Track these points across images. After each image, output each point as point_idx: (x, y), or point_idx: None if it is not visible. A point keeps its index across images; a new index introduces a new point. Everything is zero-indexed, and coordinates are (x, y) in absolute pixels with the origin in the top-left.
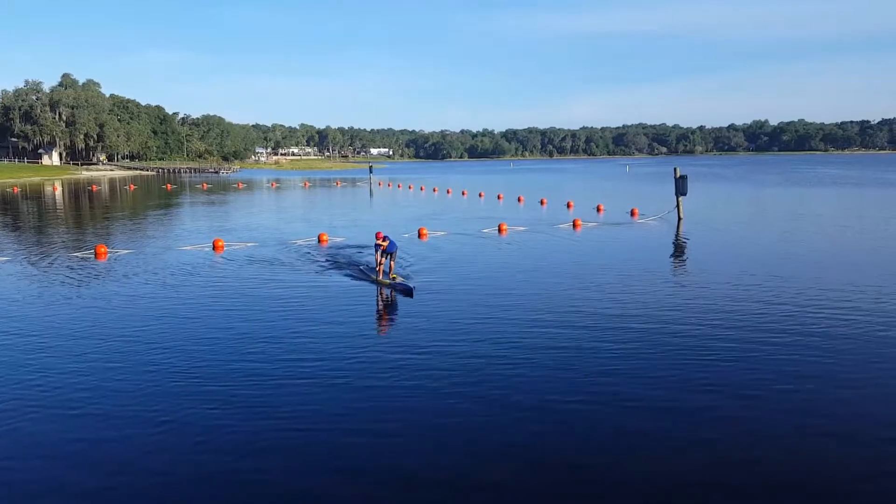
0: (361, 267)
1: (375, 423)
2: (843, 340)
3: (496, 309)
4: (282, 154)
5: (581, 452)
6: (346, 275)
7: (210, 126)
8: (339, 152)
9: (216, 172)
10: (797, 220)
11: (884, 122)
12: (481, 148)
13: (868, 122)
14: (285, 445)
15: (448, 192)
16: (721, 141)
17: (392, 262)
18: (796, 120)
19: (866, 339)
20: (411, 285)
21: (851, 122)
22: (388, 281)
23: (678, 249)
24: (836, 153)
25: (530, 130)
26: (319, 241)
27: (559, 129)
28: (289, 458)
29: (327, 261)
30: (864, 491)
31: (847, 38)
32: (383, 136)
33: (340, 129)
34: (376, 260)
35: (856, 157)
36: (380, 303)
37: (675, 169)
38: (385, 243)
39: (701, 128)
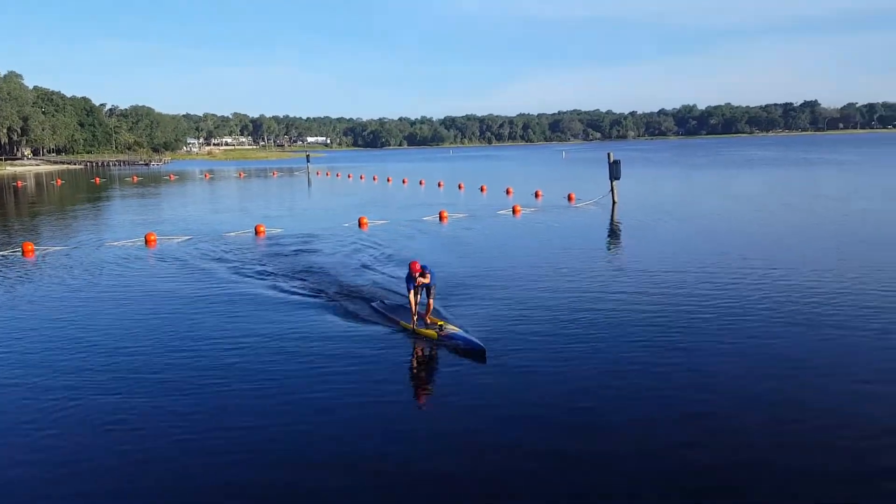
0: (376, 304)
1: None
2: (775, 314)
3: (446, 297)
4: (215, 144)
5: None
6: (298, 283)
7: (139, 117)
8: (274, 141)
9: (147, 164)
10: (725, 200)
11: (805, 104)
12: (420, 135)
13: (791, 104)
14: (211, 448)
15: (388, 180)
16: (652, 126)
17: (431, 300)
18: (723, 104)
19: (800, 313)
20: (479, 343)
21: (775, 104)
22: (432, 331)
23: (613, 232)
24: (761, 135)
25: (469, 117)
26: (256, 232)
27: (497, 116)
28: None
29: (266, 255)
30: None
31: (771, 23)
32: (320, 125)
33: (275, 118)
34: (410, 301)
35: (779, 138)
36: (415, 359)
37: (608, 154)
38: (426, 278)
39: (633, 113)
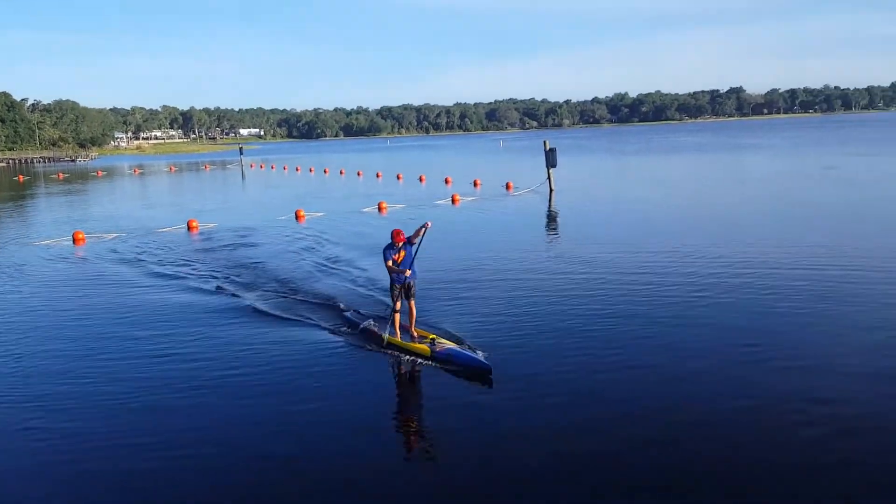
0: (349, 314)
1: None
2: (712, 294)
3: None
4: (144, 138)
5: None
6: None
7: (63, 112)
8: (205, 134)
9: (73, 161)
10: (657, 186)
11: (731, 91)
12: (357, 126)
13: (717, 91)
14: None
15: (325, 172)
16: (586, 114)
17: (413, 304)
18: (653, 91)
19: (739, 293)
20: (484, 361)
21: (703, 91)
22: (422, 346)
23: (551, 219)
24: (691, 122)
25: (405, 107)
26: (189, 228)
27: (434, 106)
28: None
29: (198, 252)
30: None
31: (697, 11)
32: (253, 116)
33: (206, 110)
34: (392, 297)
35: (707, 124)
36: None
37: (544, 142)
38: (401, 253)
39: (567, 102)
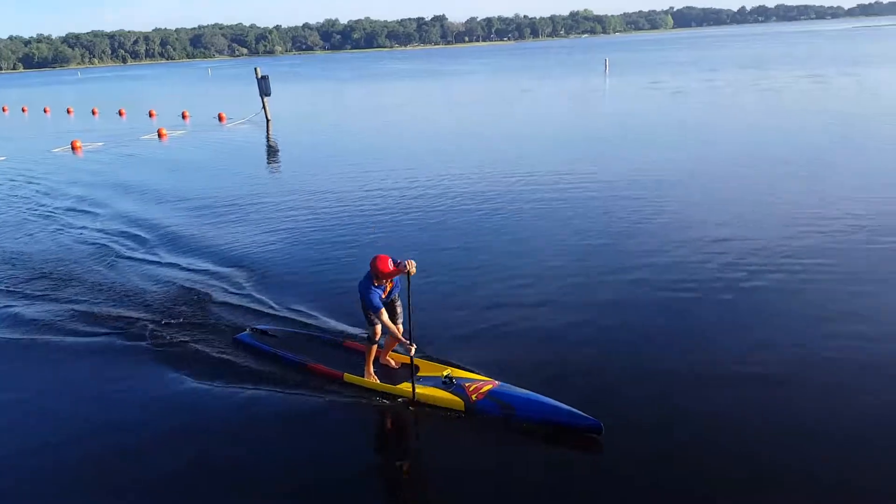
0: (245, 335)
1: None
2: (446, 218)
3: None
4: None
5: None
6: None
7: None
8: None
9: None
10: (375, 111)
11: (435, 19)
12: (39, 56)
13: (423, 18)
14: None
15: (4, 109)
16: (298, 40)
17: (399, 326)
18: (363, 18)
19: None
20: (587, 417)
21: (410, 18)
22: (446, 394)
23: (271, 150)
24: (400, 49)
25: (96, 34)
26: None
27: (130, 32)
28: None
29: None
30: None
31: None
32: None
33: None
34: (374, 332)
35: (416, 52)
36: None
37: (255, 69)
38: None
39: (278, 27)
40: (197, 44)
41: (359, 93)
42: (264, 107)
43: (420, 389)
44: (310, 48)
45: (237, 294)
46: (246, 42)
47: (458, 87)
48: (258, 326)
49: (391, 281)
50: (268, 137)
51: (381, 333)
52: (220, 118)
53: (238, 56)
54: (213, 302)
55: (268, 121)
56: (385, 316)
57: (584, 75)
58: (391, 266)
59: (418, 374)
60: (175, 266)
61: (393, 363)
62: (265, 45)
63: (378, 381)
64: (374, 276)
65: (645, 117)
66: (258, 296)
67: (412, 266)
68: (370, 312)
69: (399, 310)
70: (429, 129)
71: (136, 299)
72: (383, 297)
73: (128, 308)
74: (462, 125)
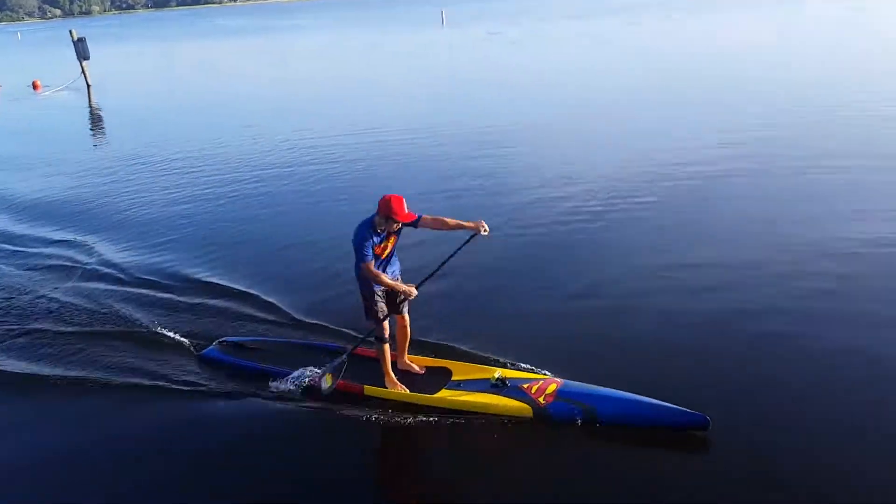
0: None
1: None
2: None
3: None
4: None
5: None
6: None
7: None
8: None
9: None
10: (205, 72)
11: None
12: None
13: None
14: None
15: None
16: None
17: (407, 319)
18: None
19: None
20: (697, 416)
21: None
22: (514, 400)
23: (95, 118)
24: (230, 4)
25: None
26: None
27: None
28: None
29: None
30: None
31: None
32: None
33: None
34: (382, 329)
35: (245, 7)
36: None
37: (70, 31)
38: (389, 242)
39: None
40: (2, 6)
41: (188, 53)
42: (83, 72)
43: (468, 397)
44: (131, 7)
45: (153, 295)
46: (59, 3)
47: (297, 44)
48: (227, 339)
49: (393, 239)
50: (90, 104)
51: (386, 339)
52: (34, 86)
53: (50, 18)
54: (123, 310)
55: (89, 86)
56: (385, 277)
57: (423, 28)
58: (406, 209)
59: (452, 378)
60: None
61: (416, 367)
62: (81, 6)
63: (407, 391)
64: (384, 218)
65: (487, 67)
66: (176, 297)
67: (484, 227)
68: (367, 296)
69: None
70: (282, 89)
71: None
72: (377, 251)
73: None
74: (308, 86)
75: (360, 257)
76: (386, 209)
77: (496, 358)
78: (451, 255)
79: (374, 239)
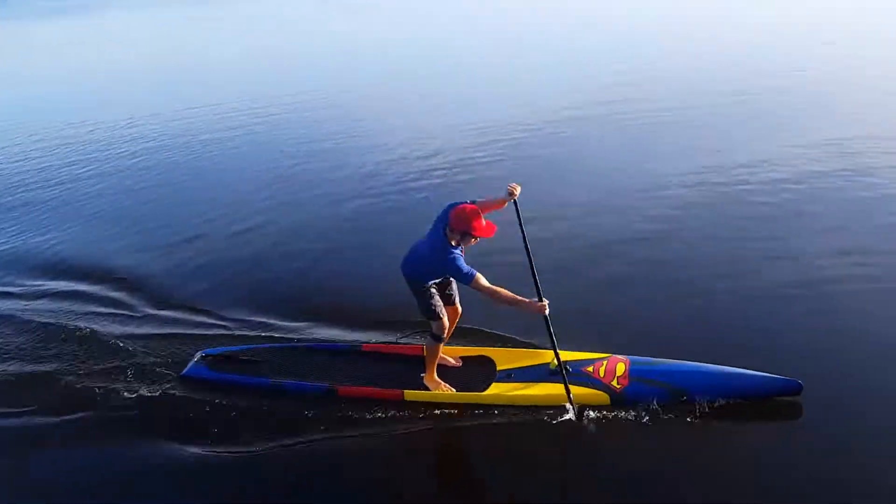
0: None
1: None
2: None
3: None
4: None
5: None
6: None
7: None
8: None
9: None
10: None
11: None
12: None
13: None
14: None
15: None
16: None
17: (458, 309)
18: None
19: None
20: (789, 382)
21: None
22: (544, 388)
23: None
24: None
25: None
26: None
27: None
28: None
29: None
30: None
31: None
32: None
33: None
34: (442, 326)
35: None
36: None
37: None
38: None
39: None
40: None
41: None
42: None
43: (528, 390)
44: None
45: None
46: None
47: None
48: (209, 351)
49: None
50: None
51: (446, 336)
52: None
53: None
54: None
55: None
56: (510, 293)
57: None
58: (484, 222)
59: (497, 368)
60: None
61: (452, 360)
62: None
63: (454, 391)
64: (460, 234)
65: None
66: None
67: (513, 189)
68: (421, 293)
69: (452, 284)
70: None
71: None
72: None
73: None
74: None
75: (466, 277)
76: (460, 227)
77: (528, 341)
78: (524, 237)
79: (459, 252)
